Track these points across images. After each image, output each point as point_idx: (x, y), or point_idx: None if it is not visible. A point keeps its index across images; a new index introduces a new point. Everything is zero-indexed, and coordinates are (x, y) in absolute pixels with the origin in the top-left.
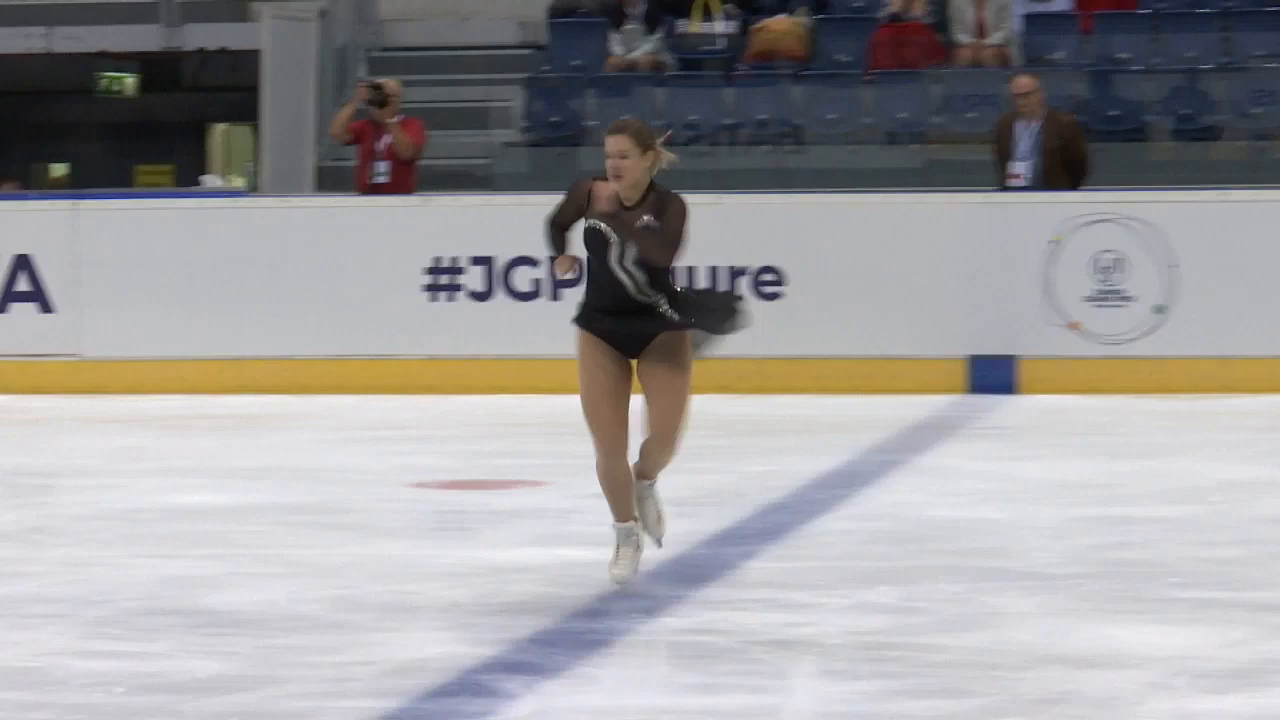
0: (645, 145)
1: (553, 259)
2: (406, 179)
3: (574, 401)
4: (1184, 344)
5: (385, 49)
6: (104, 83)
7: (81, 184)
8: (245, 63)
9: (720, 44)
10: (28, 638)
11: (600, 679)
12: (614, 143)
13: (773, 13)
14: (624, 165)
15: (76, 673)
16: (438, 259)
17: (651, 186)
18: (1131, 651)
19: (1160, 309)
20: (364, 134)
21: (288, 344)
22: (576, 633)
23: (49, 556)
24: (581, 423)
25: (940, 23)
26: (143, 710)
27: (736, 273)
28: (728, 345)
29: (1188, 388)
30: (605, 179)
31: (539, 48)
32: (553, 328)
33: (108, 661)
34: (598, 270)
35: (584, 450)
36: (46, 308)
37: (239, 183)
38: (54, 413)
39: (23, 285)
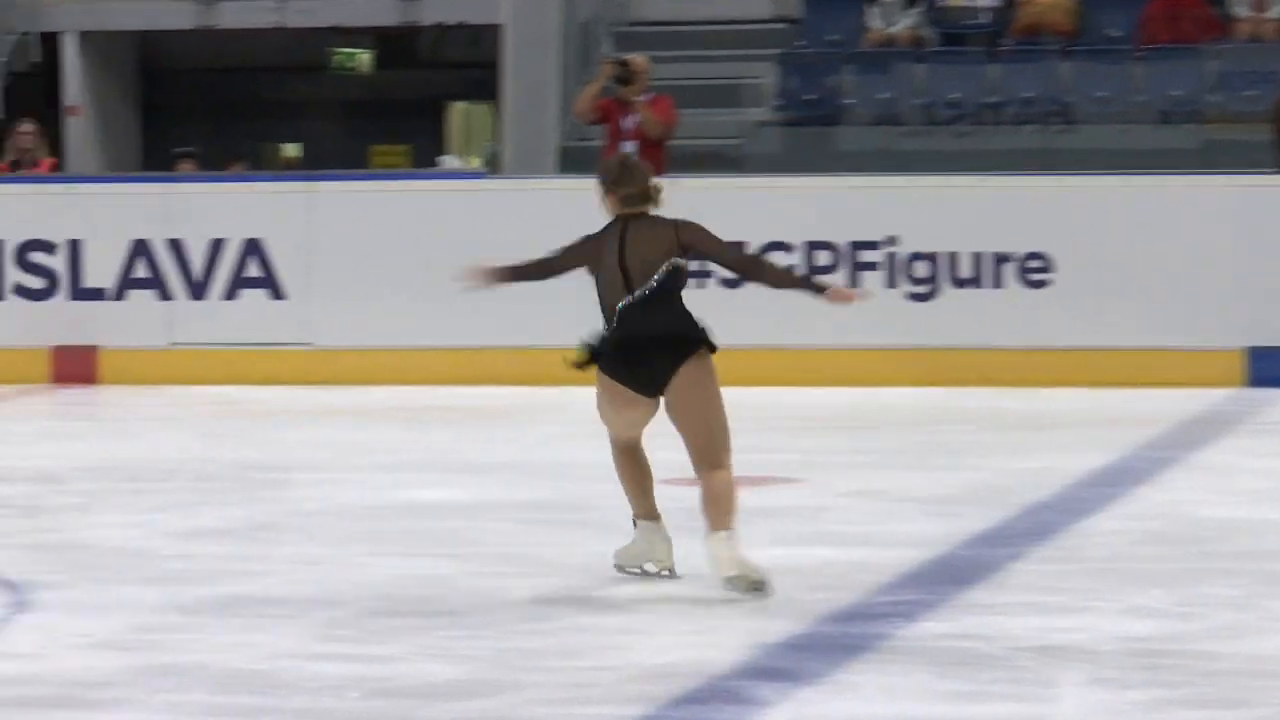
0: (603, 191)
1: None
2: (655, 159)
3: (831, 395)
4: None
5: (632, 23)
6: (337, 59)
7: (314, 165)
8: (485, 38)
9: (984, 18)
10: (257, 639)
11: (858, 686)
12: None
13: None
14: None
15: (308, 676)
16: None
17: None
18: None
19: None
20: (610, 113)
21: (529, 333)
22: (833, 637)
23: (279, 554)
24: (833, 418)
25: None
26: (377, 716)
27: (1001, 259)
28: None
29: None
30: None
31: (793, 21)
32: (808, 316)
33: (340, 665)
34: None
35: (839, 446)
36: (277, 294)
37: (477, 163)
38: (285, 404)
39: (253, 271)
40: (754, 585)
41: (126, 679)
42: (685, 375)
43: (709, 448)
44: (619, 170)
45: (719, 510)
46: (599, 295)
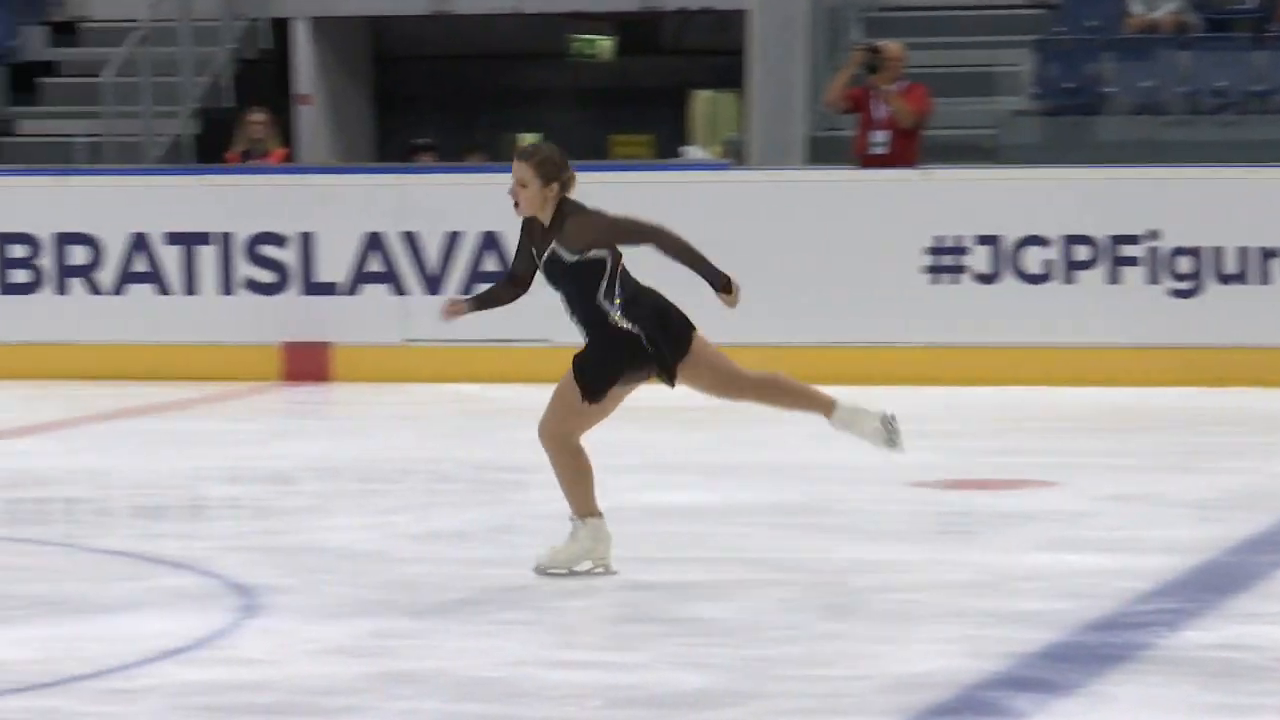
0: (548, 178)
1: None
2: (908, 150)
3: (1089, 395)
4: None
5: (883, 9)
6: (577, 46)
7: None
8: (730, 24)
9: (1251, 3)
10: (496, 645)
11: (1117, 698)
12: (515, 169)
13: None
14: (521, 194)
15: (548, 684)
16: (939, 238)
17: (559, 208)
18: None
19: None
20: (861, 102)
21: (774, 329)
22: (1091, 646)
23: (520, 558)
24: (1091, 419)
25: None
26: None
27: (1268, 254)
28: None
29: None
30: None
31: (1050, 6)
32: (1066, 313)
33: (582, 672)
34: None
35: (1098, 448)
36: None
37: (721, 154)
38: (524, 402)
39: (491, 265)
40: (892, 432)
41: (360, 686)
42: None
43: (738, 371)
44: (564, 158)
45: (810, 393)
46: (615, 269)
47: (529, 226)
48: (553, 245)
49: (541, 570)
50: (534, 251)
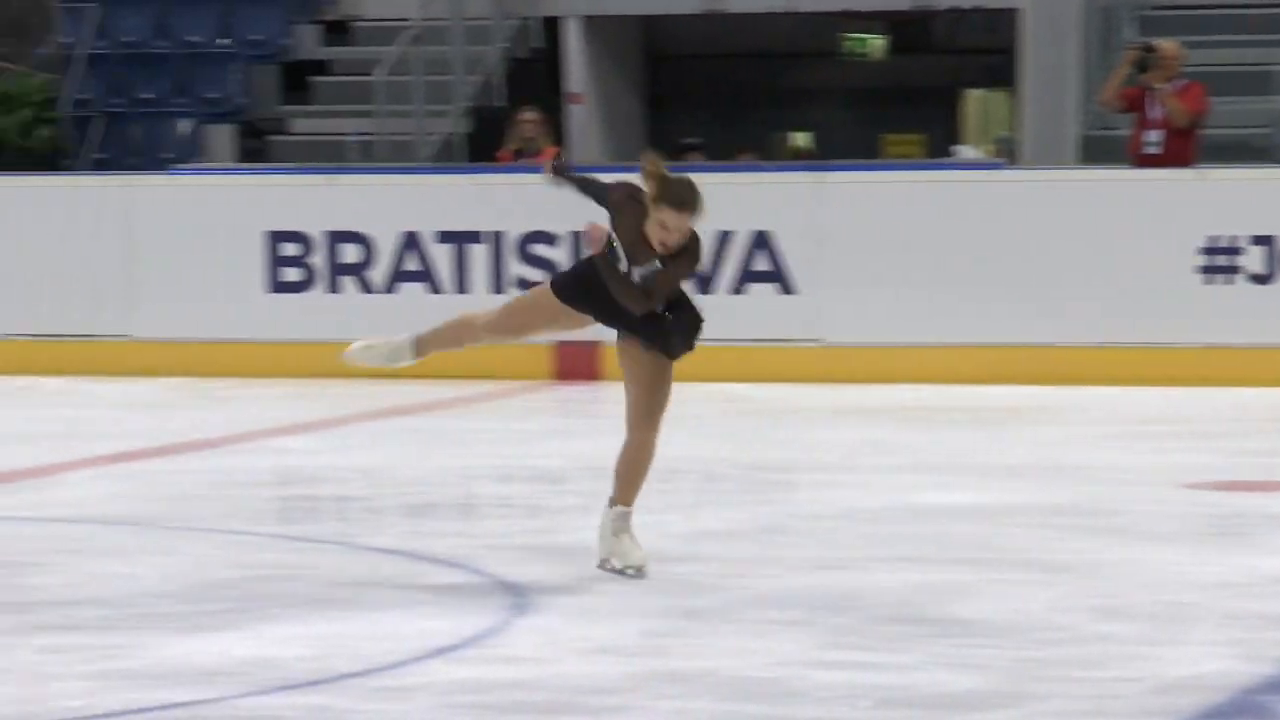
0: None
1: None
2: (1183, 150)
3: None
4: None
5: (1156, 7)
6: (849, 45)
7: (824, 154)
8: (1002, 22)
9: None
10: (765, 645)
11: None
12: (678, 221)
13: None
14: (676, 238)
15: (817, 684)
16: (1213, 238)
17: None
18: None
19: None
20: (1138, 101)
21: (1046, 330)
22: None
23: (788, 558)
24: None
25: None
26: None
27: None
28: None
29: None
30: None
31: None
32: None
33: (851, 673)
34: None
35: None
36: (786, 288)
37: (993, 153)
38: (794, 402)
39: (761, 264)
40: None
41: (629, 685)
42: None
43: None
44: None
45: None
46: None
47: (628, 222)
48: (657, 261)
49: (637, 569)
50: (624, 244)
